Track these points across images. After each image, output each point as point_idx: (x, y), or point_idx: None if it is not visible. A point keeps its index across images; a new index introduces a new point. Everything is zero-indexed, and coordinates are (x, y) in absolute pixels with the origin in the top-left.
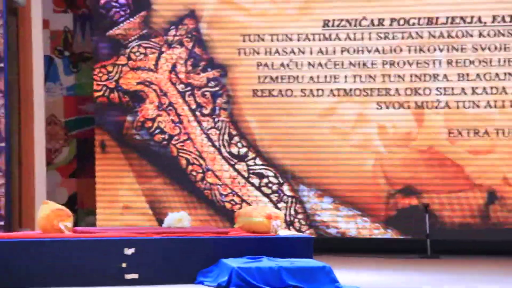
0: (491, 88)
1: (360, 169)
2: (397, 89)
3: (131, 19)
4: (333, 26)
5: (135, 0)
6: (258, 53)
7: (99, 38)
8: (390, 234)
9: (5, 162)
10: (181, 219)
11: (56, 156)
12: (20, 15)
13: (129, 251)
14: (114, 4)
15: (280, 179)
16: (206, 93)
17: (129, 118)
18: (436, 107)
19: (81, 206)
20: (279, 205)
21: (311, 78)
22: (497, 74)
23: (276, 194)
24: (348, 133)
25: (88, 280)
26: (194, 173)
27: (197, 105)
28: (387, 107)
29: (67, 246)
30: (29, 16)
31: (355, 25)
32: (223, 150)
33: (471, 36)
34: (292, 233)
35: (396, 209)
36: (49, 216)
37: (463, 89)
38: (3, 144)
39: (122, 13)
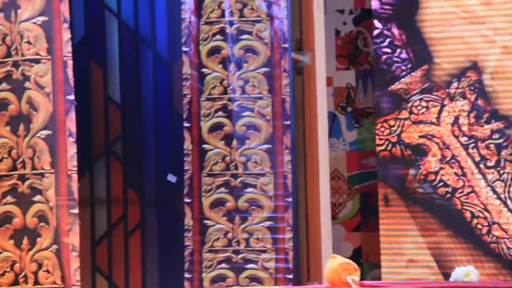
0: None
1: None
2: None
3: (412, 74)
4: None
5: (416, 54)
6: None
7: (381, 93)
8: None
9: (293, 217)
10: (468, 273)
11: (340, 210)
12: (305, 74)
13: None
14: (395, 59)
15: None
16: (490, 145)
17: (411, 171)
18: None
19: (366, 260)
20: None
21: None
22: None
23: None
24: None
25: None
26: (479, 226)
27: (481, 157)
28: None
29: None
30: (314, 75)
31: None
32: (509, 202)
33: None
34: None
35: None
36: (337, 270)
37: None
38: (290, 200)
39: (404, 67)
